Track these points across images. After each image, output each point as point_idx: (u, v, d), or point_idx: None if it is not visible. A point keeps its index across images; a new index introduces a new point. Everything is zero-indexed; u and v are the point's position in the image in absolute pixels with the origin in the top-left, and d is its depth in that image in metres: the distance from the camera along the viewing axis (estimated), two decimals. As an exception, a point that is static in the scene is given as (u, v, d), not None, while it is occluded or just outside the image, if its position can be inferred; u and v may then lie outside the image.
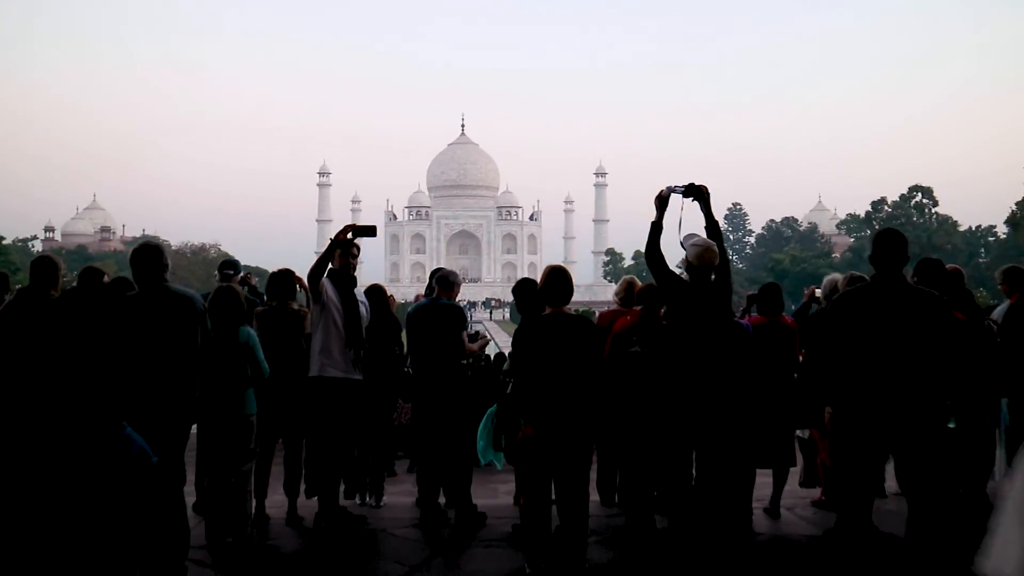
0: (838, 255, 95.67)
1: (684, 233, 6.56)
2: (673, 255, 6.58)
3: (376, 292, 8.64)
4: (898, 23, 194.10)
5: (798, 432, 8.11)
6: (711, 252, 6.42)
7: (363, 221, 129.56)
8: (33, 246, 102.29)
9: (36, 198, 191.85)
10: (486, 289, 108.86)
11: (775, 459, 7.65)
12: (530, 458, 5.99)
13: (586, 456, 6.06)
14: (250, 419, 6.94)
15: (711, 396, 6.30)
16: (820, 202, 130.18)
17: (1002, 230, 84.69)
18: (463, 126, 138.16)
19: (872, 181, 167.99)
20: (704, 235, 6.60)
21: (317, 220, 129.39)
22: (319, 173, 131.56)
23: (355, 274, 7.53)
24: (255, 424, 7.02)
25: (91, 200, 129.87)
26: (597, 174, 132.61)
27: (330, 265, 7.31)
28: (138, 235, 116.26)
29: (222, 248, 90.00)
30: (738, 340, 6.73)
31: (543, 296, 6.16)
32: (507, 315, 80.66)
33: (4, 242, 73.55)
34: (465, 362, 7.96)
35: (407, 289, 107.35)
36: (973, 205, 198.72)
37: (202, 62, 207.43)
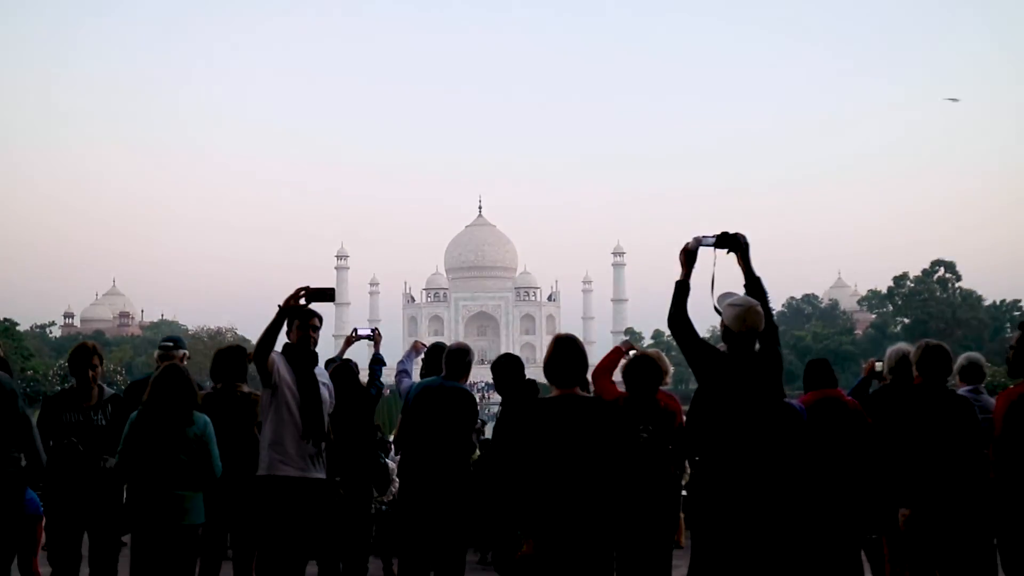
0: (860, 332, 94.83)
1: (718, 293, 5.31)
2: (704, 321, 5.47)
3: (344, 371, 7.36)
4: (916, 97, 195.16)
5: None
6: (754, 314, 5.06)
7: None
8: (51, 332, 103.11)
9: (54, 284, 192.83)
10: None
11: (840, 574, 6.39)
12: None
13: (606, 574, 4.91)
14: (194, 530, 5.88)
15: (759, 500, 4.87)
16: (840, 278, 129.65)
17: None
18: (480, 207, 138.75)
19: (893, 257, 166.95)
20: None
21: (335, 304, 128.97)
22: (336, 256, 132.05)
23: (315, 350, 6.31)
24: (199, 536, 5.96)
25: (110, 286, 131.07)
26: (615, 253, 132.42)
27: (287, 340, 6.21)
28: (156, 320, 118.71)
29: (238, 332, 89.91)
30: (790, 426, 5.48)
31: (550, 373, 5.02)
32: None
33: (19, 328, 73.31)
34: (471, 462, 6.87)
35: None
36: (997, 279, 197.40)
37: (219, 147, 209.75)
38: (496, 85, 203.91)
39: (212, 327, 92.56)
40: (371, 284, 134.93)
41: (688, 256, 5.17)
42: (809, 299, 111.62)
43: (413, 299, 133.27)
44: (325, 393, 6.25)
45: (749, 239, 5.20)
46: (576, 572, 4.69)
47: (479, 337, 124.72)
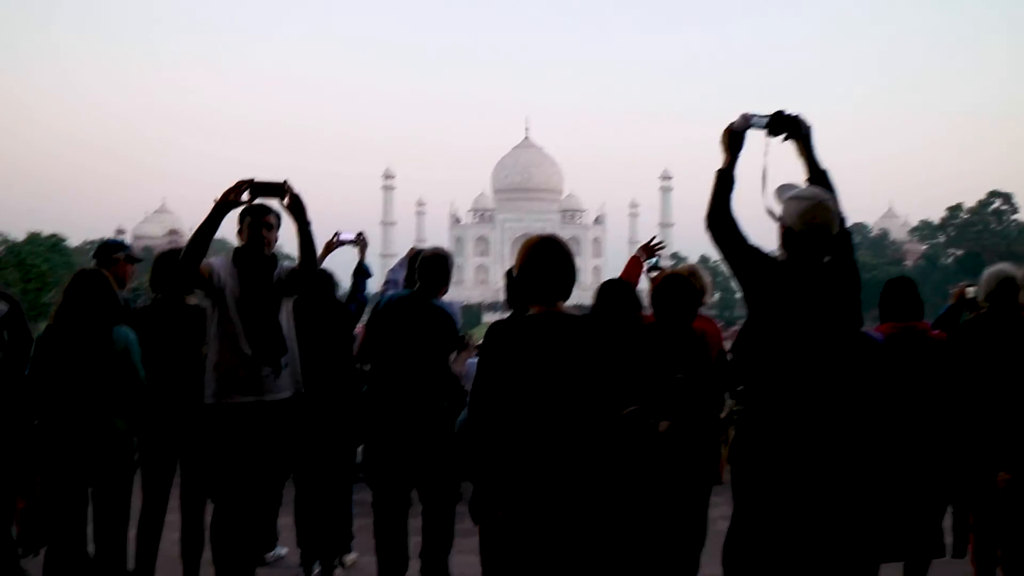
0: (910, 263, 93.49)
1: (772, 189, 3.98)
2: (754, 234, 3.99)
3: (318, 281, 5.92)
4: (971, 25, 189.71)
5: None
6: (824, 210, 3.73)
7: (428, 226, 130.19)
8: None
9: (106, 202, 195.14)
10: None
11: (916, 548, 5.14)
12: (511, 560, 3.67)
13: (603, 556, 3.78)
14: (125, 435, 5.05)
15: (822, 454, 3.65)
16: (891, 209, 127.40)
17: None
18: (527, 129, 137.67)
19: (947, 187, 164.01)
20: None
21: (382, 223, 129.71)
22: (384, 176, 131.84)
23: (272, 253, 5.24)
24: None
25: (160, 204, 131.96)
26: (663, 178, 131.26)
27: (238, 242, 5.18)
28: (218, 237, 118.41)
29: (284, 250, 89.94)
30: (868, 363, 4.19)
31: (525, 285, 3.84)
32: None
33: (67, 243, 73.94)
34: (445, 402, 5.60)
35: (471, 292, 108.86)
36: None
37: (269, 64, 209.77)
38: (545, 8, 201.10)
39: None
40: (418, 204, 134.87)
41: (733, 139, 3.91)
42: (859, 228, 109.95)
43: (459, 220, 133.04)
44: (286, 306, 5.26)
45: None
46: (563, 549, 3.63)
47: None
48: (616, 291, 5.32)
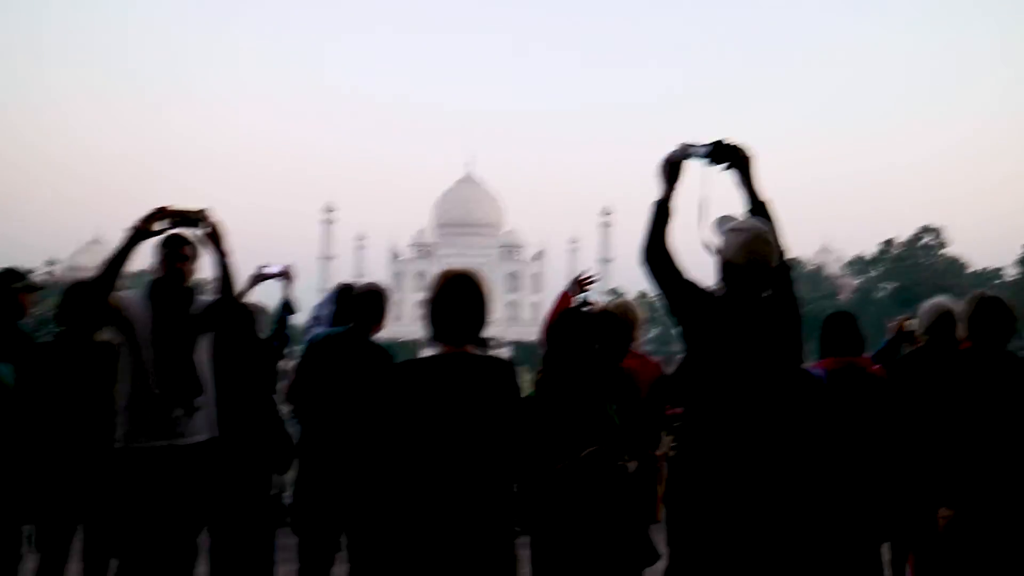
0: (845, 296, 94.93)
1: (711, 220, 3.83)
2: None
3: (239, 312, 5.54)
4: (911, 59, 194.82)
5: None
6: (763, 242, 3.60)
7: (368, 260, 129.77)
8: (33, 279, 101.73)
9: (37, 232, 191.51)
10: (489, 328, 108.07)
11: None
12: None
13: None
14: None
15: (762, 494, 3.48)
16: (825, 244, 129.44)
17: (1010, 272, 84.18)
18: (469, 165, 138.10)
19: (880, 223, 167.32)
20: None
21: (321, 257, 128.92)
22: (324, 210, 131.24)
23: (190, 286, 4.94)
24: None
25: (93, 235, 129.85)
26: (603, 213, 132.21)
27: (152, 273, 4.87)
28: (137, 270, 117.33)
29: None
30: (810, 402, 4.19)
31: (434, 323, 3.64)
32: (509, 354, 79.93)
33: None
34: None
35: (409, 328, 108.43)
36: (983, 247, 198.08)
37: (207, 100, 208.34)
38: (487, 44, 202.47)
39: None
40: (358, 239, 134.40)
41: (670, 169, 3.77)
42: (794, 263, 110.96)
43: (399, 255, 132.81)
44: (203, 342, 4.95)
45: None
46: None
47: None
48: (570, 323, 5.08)
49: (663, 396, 5.36)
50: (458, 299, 3.60)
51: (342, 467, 5.09)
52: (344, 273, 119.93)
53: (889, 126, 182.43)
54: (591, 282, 5.75)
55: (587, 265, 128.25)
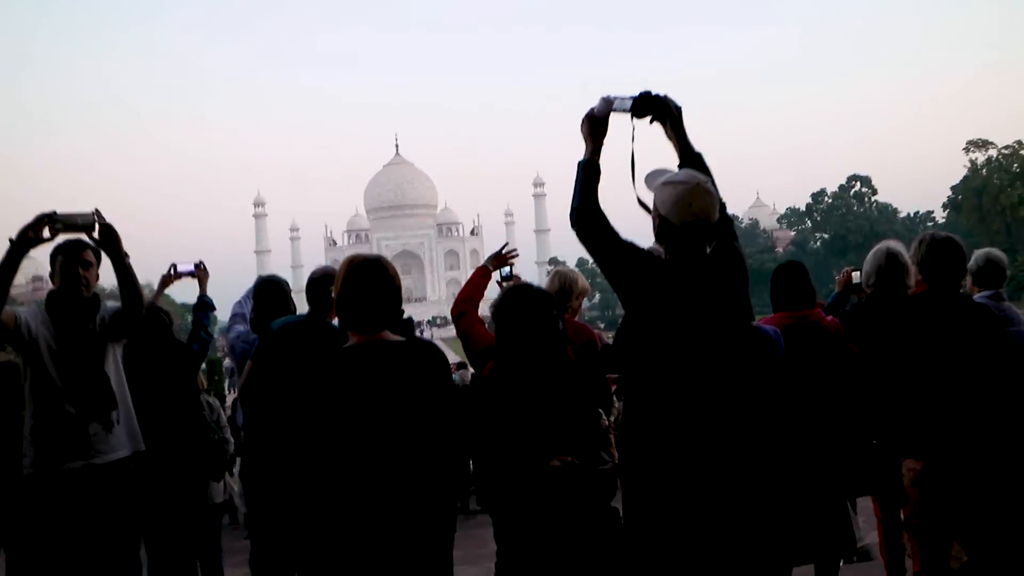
0: (781, 249, 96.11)
1: (642, 177, 3.56)
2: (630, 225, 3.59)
3: (148, 320, 5.25)
4: (833, 9, 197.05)
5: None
6: (703, 194, 3.30)
7: (304, 251, 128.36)
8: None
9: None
10: (432, 307, 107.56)
11: (825, 548, 4.77)
12: None
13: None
14: None
15: (717, 460, 3.25)
16: (759, 198, 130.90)
17: (940, 215, 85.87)
18: (397, 147, 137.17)
19: (810, 174, 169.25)
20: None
21: (255, 251, 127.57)
22: (254, 204, 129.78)
23: (93, 294, 4.59)
24: None
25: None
26: (535, 184, 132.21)
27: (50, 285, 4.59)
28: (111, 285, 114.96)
29: (155, 287, 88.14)
30: (764, 363, 3.94)
31: (343, 311, 3.43)
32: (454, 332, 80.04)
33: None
34: None
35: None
36: (912, 192, 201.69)
37: (128, 98, 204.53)
38: (407, 22, 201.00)
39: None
40: (291, 230, 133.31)
41: (595, 126, 3.47)
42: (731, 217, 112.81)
43: (335, 242, 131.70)
44: (115, 347, 4.63)
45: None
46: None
47: (404, 275, 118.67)
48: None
49: (606, 365, 4.98)
50: (365, 285, 3.37)
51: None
52: (280, 266, 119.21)
53: (813, 78, 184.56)
54: (513, 256, 5.42)
55: (525, 237, 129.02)
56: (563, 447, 3.45)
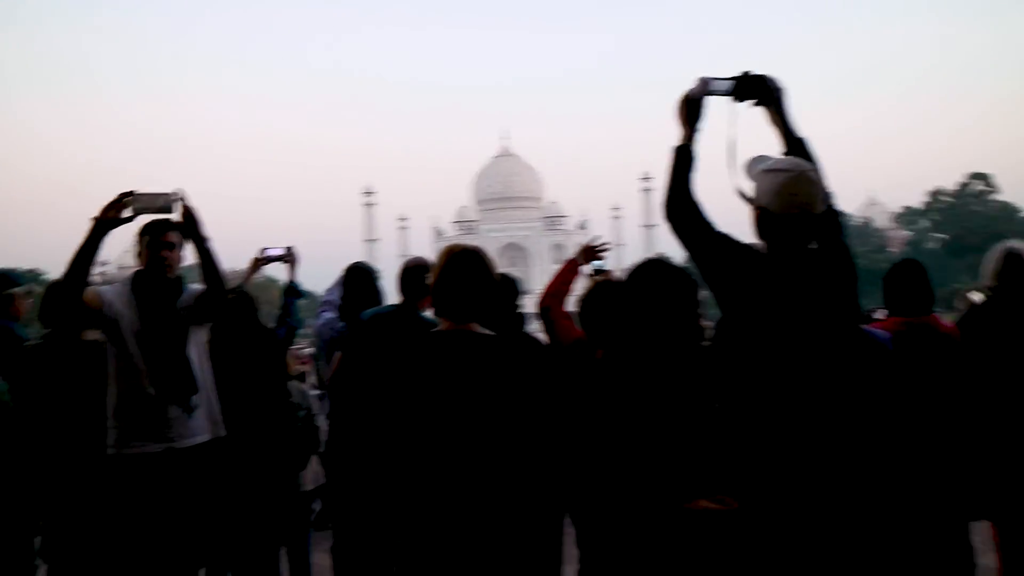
0: (895, 249, 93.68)
1: (743, 163, 3.27)
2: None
3: (237, 305, 5.28)
4: (948, 10, 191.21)
5: None
6: (807, 183, 3.02)
7: (412, 240, 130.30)
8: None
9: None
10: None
11: (941, 572, 4.41)
12: None
13: None
14: None
15: (823, 480, 2.92)
16: (873, 196, 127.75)
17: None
18: (506, 139, 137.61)
19: (927, 172, 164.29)
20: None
21: (364, 240, 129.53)
22: (364, 193, 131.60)
23: (177, 276, 4.57)
24: None
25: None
26: (643, 178, 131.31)
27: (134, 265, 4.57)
28: (185, 264, 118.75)
29: (267, 275, 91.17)
30: (872, 366, 3.45)
31: (437, 300, 3.44)
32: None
33: (44, 277, 72.39)
34: None
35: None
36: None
37: (240, 87, 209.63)
38: (519, 16, 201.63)
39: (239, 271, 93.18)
40: (400, 219, 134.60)
41: (691, 108, 3.23)
42: (842, 218, 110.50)
43: (442, 233, 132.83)
44: (198, 329, 4.61)
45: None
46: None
47: (510, 267, 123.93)
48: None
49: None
50: (461, 274, 3.40)
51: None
52: (389, 255, 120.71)
53: (929, 76, 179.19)
54: (604, 249, 5.34)
55: (631, 232, 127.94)
56: (704, 470, 3.13)
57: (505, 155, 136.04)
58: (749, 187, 3.16)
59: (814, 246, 3.09)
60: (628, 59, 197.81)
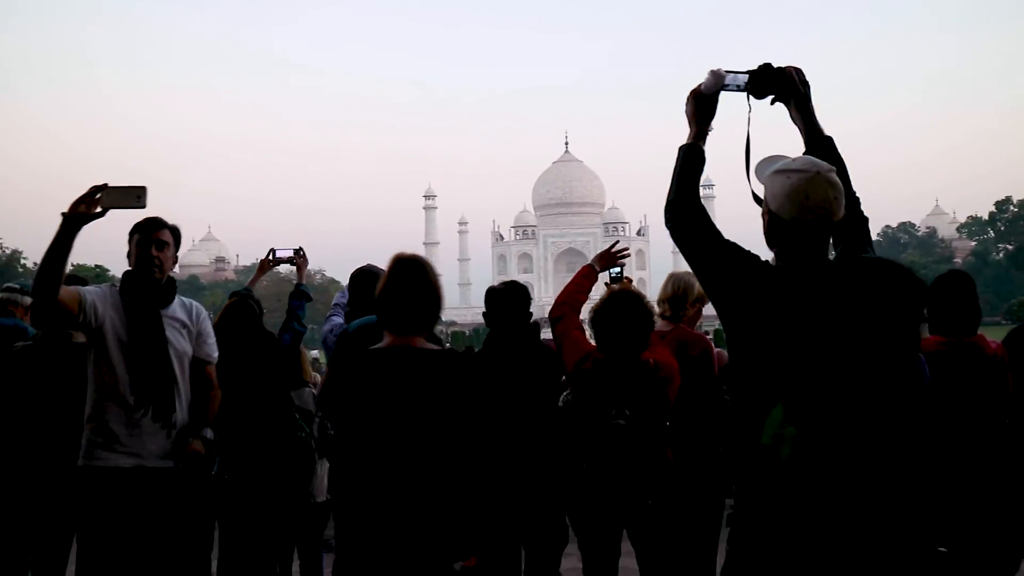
0: (960, 260, 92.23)
1: (756, 164, 2.83)
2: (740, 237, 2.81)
3: (237, 310, 5.10)
4: (1014, 19, 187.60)
5: None
6: (824, 186, 2.53)
7: (471, 244, 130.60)
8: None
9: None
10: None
11: None
12: None
13: None
14: None
15: (846, 518, 2.41)
16: (938, 205, 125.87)
17: None
18: (567, 144, 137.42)
19: (993, 181, 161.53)
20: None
21: (424, 243, 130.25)
22: (425, 196, 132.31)
23: (169, 278, 4.20)
24: None
25: (206, 232, 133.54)
26: (704, 186, 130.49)
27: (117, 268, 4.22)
28: (249, 264, 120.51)
29: (327, 274, 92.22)
30: (903, 395, 2.69)
31: (381, 312, 3.28)
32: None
33: (110, 273, 73.45)
34: None
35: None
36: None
37: (307, 92, 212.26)
38: (579, 22, 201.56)
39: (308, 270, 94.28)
40: (459, 223, 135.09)
41: (702, 105, 2.88)
42: (905, 227, 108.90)
43: (502, 237, 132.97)
44: (183, 342, 4.18)
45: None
46: None
47: (568, 273, 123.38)
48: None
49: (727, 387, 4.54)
50: (406, 285, 3.24)
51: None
52: (448, 258, 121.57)
53: (1000, 83, 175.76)
54: (623, 256, 5.08)
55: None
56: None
57: (566, 159, 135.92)
58: (761, 191, 2.77)
59: (835, 257, 2.69)
60: (699, 64, 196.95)
